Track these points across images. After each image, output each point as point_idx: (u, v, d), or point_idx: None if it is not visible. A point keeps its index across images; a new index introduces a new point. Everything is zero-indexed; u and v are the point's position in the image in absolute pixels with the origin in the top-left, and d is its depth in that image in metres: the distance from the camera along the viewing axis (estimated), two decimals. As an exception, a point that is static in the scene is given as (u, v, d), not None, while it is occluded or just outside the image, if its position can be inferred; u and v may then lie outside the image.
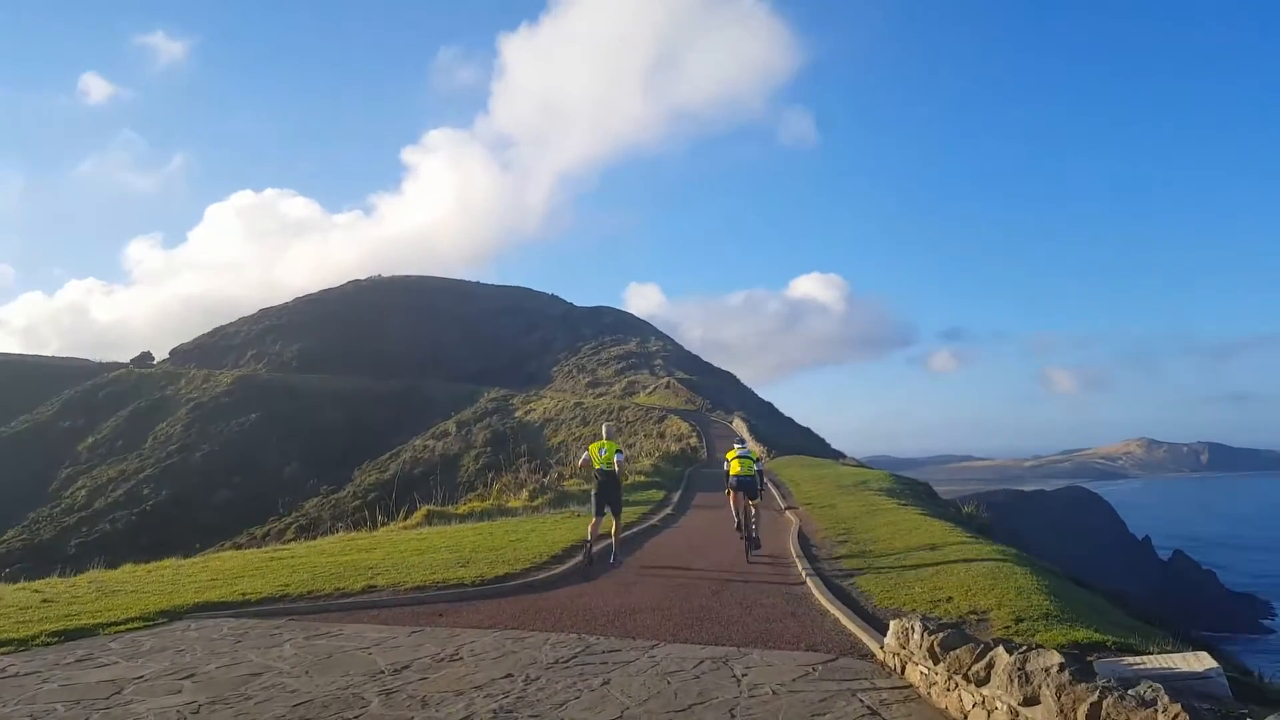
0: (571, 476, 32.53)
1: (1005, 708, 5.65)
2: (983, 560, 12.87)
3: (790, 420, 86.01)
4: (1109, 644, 7.89)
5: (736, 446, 18.48)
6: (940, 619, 8.03)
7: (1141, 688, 4.65)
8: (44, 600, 12.78)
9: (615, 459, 16.03)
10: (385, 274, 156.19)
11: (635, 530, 20.35)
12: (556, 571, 14.32)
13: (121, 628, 10.96)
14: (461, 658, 8.88)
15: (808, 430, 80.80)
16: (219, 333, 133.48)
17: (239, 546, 45.92)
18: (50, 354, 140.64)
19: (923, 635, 7.03)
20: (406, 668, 8.51)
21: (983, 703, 6.02)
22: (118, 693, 7.83)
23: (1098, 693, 4.75)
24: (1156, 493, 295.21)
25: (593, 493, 16.32)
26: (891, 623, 8.01)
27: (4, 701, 7.58)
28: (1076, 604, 10.22)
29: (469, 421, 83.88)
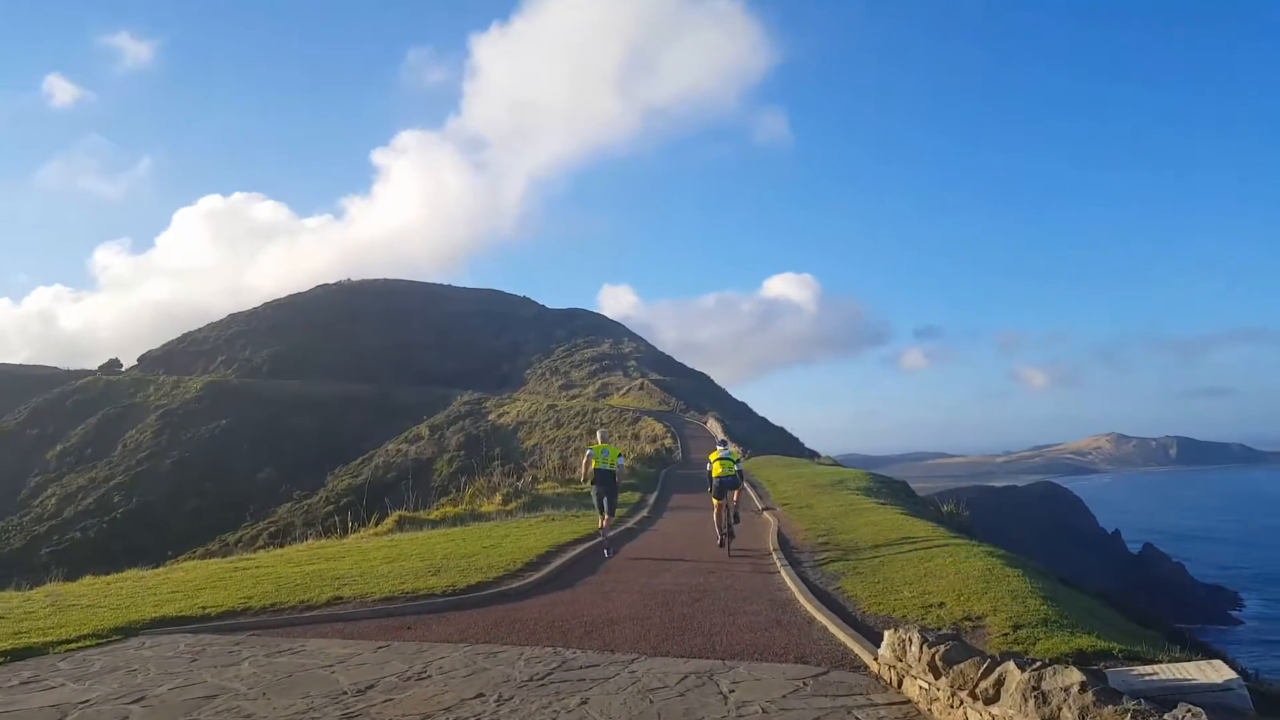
0: (567, 481, 32.30)
1: (1018, 729, 5.20)
2: (971, 561, 12.46)
3: (764, 420, 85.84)
4: (1116, 652, 7.48)
5: (719, 448, 19.01)
6: (937, 629, 7.58)
7: (1179, 711, 4.19)
8: (-4, 616, 12.17)
9: (617, 462, 17.92)
10: (354, 278, 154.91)
11: (610, 535, 19.83)
12: (531, 579, 13.80)
13: (73, 645, 10.40)
14: (430, 675, 8.36)
15: (781, 430, 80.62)
16: (187, 339, 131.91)
17: (211, 554, 45.42)
18: (18, 362, 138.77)
19: (922, 647, 6.58)
20: (371, 687, 7.98)
21: (992, 723, 5.57)
22: (61, 719, 7.29)
23: (1129, 717, 4.28)
24: (1126, 487, 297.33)
25: (593, 493, 17.84)
26: (886, 633, 7.55)
27: (-66, 734, 7.02)
28: (1074, 608, 9.82)
29: (442, 425, 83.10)
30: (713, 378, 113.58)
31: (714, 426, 58.02)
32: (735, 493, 17.96)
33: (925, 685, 6.56)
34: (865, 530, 18.08)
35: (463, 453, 69.51)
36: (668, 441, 50.18)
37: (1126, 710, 4.35)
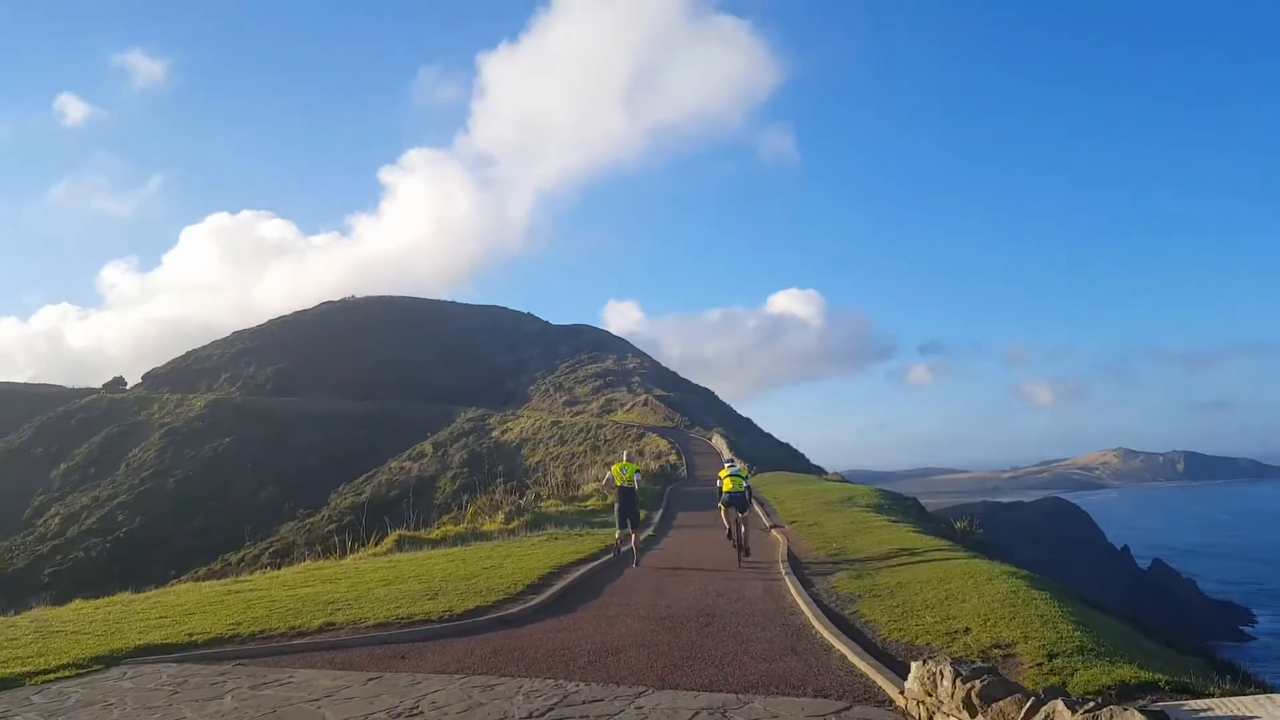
0: (570, 499, 32.14)
1: (1068, 777, 4.65)
2: (994, 582, 11.86)
3: (769, 436, 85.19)
4: (1162, 684, 6.88)
5: (727, 465, 20.13)
6: (970, 660, 7.00)
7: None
8: (-23, 644, 11.67)
9: (635, 478, 19.26)
10: (359, 294, 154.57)
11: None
12: (532, 603, 13.23)
13: (50, 676, 9.94)
14: (422, 712, 7.80)
15: (787, 446, 79.95)
16: (192, 356, 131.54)
17: (214, 573, 45.14)
18: (24, 380, 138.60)
19: (955, 681, 6.01)
20: (358, 726, 7.44)
21: (1037, 769, 5.01)
22: (25, 762, 6.77)
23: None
24: (1134, 502, 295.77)
25: (615, 507, 19.11)
26: (913, 665, 6.97)
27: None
28: (1108, 634, 9.22)
29: (445, 442, 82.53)
30: (717, 393, 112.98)
31: (719, 442, 57.42)
32: (744, 515, 18.44)
33: (959, 724, 5.98)
34: (878, 549, 17.53)
35: (466, 470, 68.99)
36: (672, 458, 49.58)
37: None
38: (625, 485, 18.86)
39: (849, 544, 18.82)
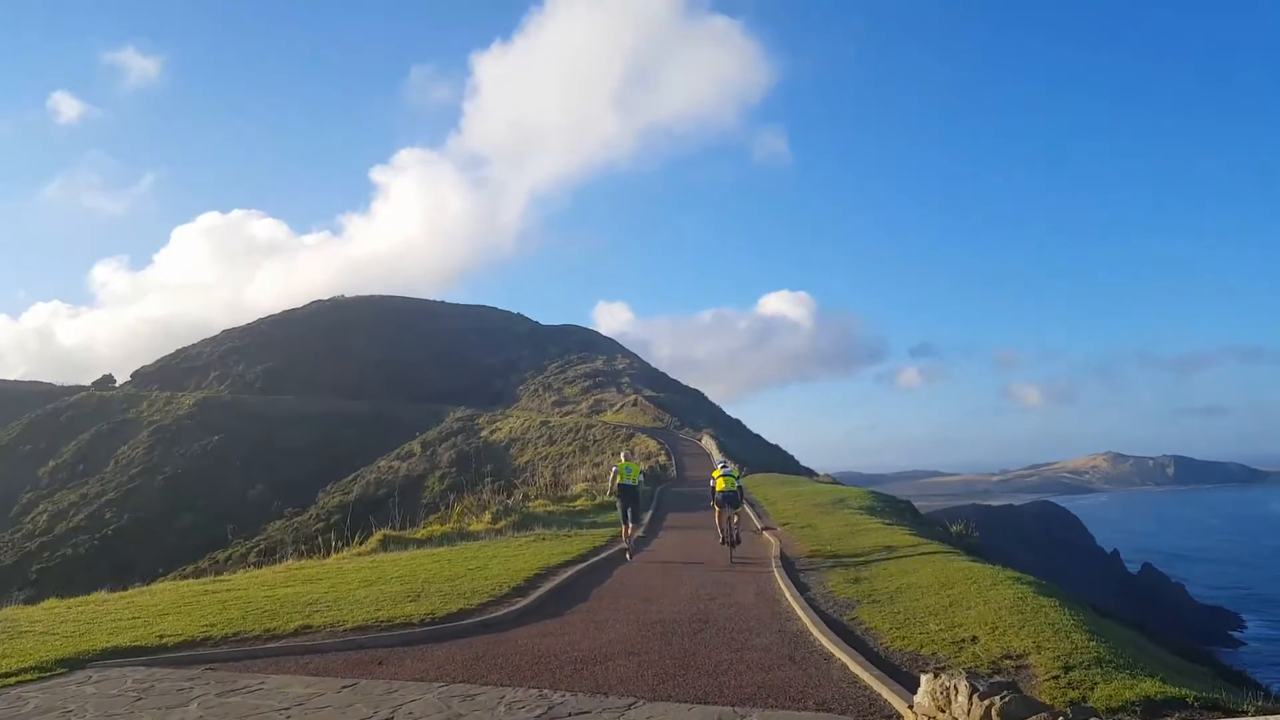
0: (559, 499, 32.06)
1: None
2: (999, 588, 11.38)
3: (759, 437, 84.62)
4: (1190, 700, 6.40)
5: (720, 466, 21.12)
6: (985, 675, 6.52)
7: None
8: (-56, 645, 11.18)
9: (639, 478, 20.53)
10: (349, 294, 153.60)
11: (604, 555, 18.82)
12: (518, 606, 12.73)
13: (11, 680, 9.50)
14: (397, 724, 7.33)
15: (776, 447, 79.40)
16: (181, 354, 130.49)
17: (201, 571, 44.81)
18: (14, 378, 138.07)
19: (972, 698, 5.52)
20: (328, 739, 6.95)
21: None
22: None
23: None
24: (1123, 506, 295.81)
25: (619, 505, 20.04)
26: (923, 678, 6.47)
27: None
28: (1121, 643, 8.75)
29: (434, 442, 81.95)
30: (707, 394, 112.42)
31: (709, 443, 56.92)
32: (736, 513, 19.56)
33: (977, 745, 5.50)
34: (874, 553, 17.09)
35: (454, 469, 68.39)
36: (662, 459, 49.07)
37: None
38: (628, 484, 20.01)
39: (844, 547, 18.38)
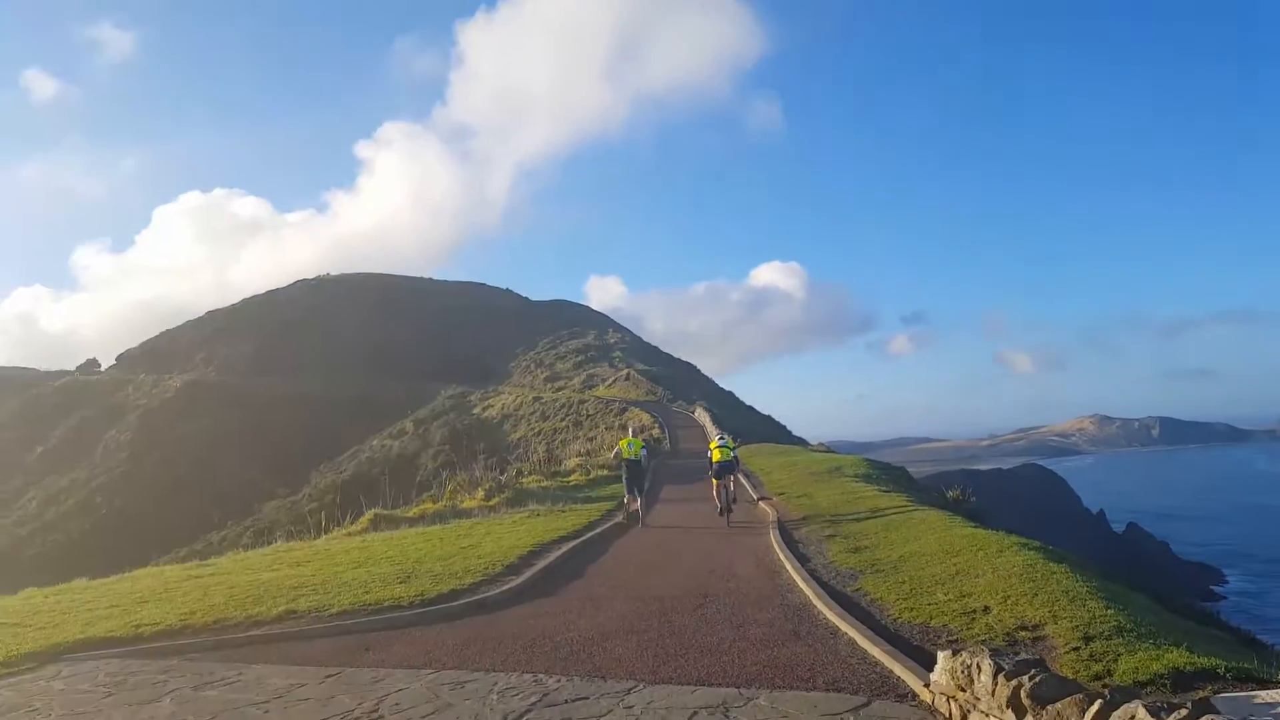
0: (553, 474, 31.76)
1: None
2: (1006, 555, 11.01)
3: (751, 409, 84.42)
4: (1221, 671, 6.02)
5: (717, 438, 22.17)
6: (1006, 650, 6.12)
7: None
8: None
9: (641, 452, 21.30)
10: (333, 272, 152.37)
11: (600, 530, 18.46)
12: (511, 585, 12.34)
13: (-23, 676, 9.00)
14: (382, 715, 6.91)
15: (768, 418, 79.28)
16: (165, 337, 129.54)
17: (195, 554, 44.54)
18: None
19: (997, 678, 5.12)
20: (309, 734, 6.54)
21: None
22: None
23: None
24: (1109, 467, 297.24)
25: (624, 478, 21.23)
26: (941, 655, 6.06)
27: None
28: (1143, 611, 8.37)
29: (426, 420, 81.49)
30: (700, 367, 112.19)
31: (702, 416, 56.53)
32: (732, 477, 20.44)
33: (1003, 727, 5.09)
34: (873, 521, 16.73)
35: (447, 447, 67.96)
36: (655, 432, 48.65)
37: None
38: (632, 459, 20.98)
39: (842, 515, 18.01)
